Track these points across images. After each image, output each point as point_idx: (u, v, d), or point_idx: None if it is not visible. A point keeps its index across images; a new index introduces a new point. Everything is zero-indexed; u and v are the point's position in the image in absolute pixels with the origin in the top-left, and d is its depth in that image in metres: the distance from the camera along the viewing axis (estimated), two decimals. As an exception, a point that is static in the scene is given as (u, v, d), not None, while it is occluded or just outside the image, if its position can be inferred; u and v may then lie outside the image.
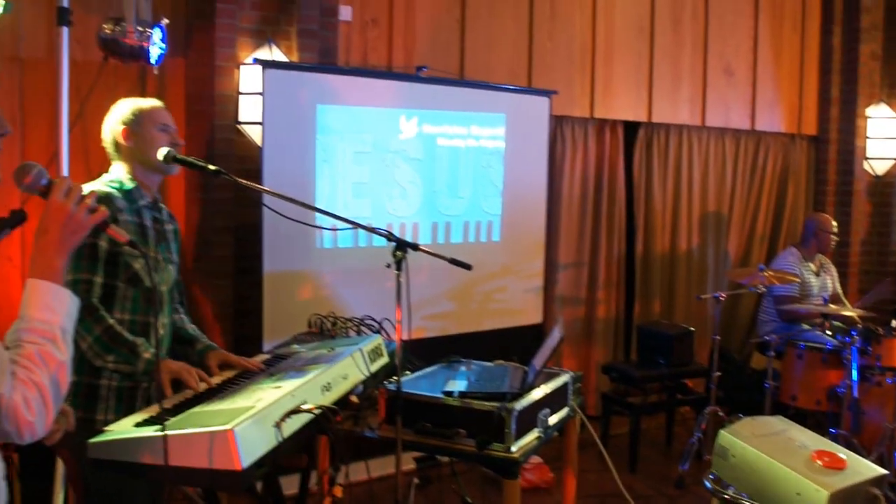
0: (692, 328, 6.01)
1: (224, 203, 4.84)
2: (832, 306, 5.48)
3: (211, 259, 4.84)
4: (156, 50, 4.20)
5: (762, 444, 3.14)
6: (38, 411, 1.52)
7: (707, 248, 7.05)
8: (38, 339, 1.57)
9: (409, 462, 4.81)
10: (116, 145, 2.98)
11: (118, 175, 2.97)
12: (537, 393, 3.27)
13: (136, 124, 2.95)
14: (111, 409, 2.80)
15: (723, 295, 5.35)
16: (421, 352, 3.86)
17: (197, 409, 2.38)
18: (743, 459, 3.17)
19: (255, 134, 4.79)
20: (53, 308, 1.61)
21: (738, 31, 7.03)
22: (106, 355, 2.72)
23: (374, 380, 3.04)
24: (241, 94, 4.79)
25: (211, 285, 4.83)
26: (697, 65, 6.87)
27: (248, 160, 4.80)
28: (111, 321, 2.74)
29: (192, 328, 3.18)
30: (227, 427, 2.04)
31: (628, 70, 6.54)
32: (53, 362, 1.56)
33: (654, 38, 6.63)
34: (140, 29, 4.12)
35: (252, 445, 2.10)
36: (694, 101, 6.87)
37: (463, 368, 3.64)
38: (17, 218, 3.65)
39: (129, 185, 2.94)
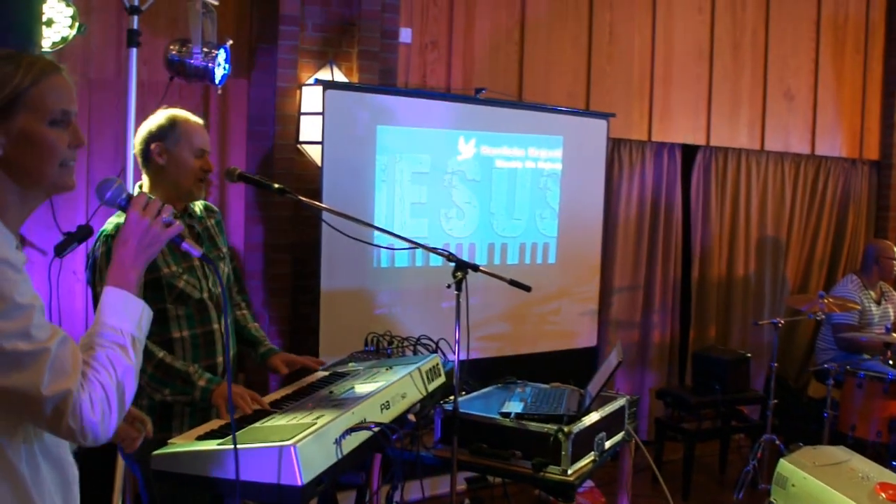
0: (748, 354, 5.93)
1: (283, 221, 4.91)
2: (895, 335, 5.38)
3: (269, 277, 4.91)
4: (220, 71, 4.28)
5: (824, 475, 3.10)
6: (101, 412, 1.55)
7: (764, 274, 6.96)
8: (107, 343, 1.61)
9: (460, 482, 4.81)
10: (146, 158, 2.89)
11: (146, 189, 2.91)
12: (594, 416, 3.25)
13: (173, 142, 2.86)
14: (185, 425, 2.81)
15: (781, 321, 5.28)
16: (476, 372, 3.87)
17: (258, 425, 2.41)
18: (803, 489, 3.13)
19: (315, 154, 4.85)
20: (125, 316, 1.66)
21: (798, 54, 6.97)
22: (163, 389, 2.75)
23: (431, 399, 3.05)
24: (302, 114, 4.86)
25: (269, 302, 4.89)
26: (757, 88, 6.81)
27: (308, 179, 4.87)
28: (161, 354, 2.75)
29: (254, 328, 3.20)
30: (290, 443, 2.07)
31: (687, 93, 6.51)
32: (121, 367, 1.60)
33: (713, 61, 6.60)
34: (205, 50, 4.20)
35: (313, 461, 2.12)
36: (753, 124, 6.81)
37: (519, 390, 3.63)
38: (83, 233, 3.73)
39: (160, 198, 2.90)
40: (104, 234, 2.79)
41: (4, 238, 1.55)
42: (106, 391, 1.56)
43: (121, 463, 3.75)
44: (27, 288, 1.52)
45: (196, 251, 1.87)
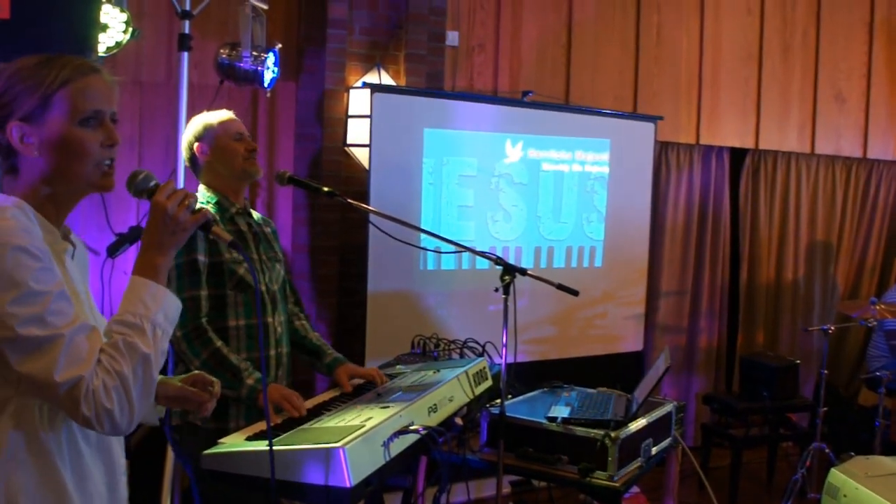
0: (797, 361, 5.85)
1: (330, 224, 4.94)
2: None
3: (316, 278, 4.94)
4: (269, 74, 4.32)
5: (876, 485, 3.04)
6: (117, 400, 1.54)
7: (814, 279, 6.85)
8: (125, 330, 1.59)
9: (504, 486, 4.80)
10: (194, 163, 3.04)
11: (201, 191, 3.02)
12: (641, 422, 3.23)
13: (210, 139, 3.00)
14: (241, 416, 2.85)
15: (832, 328, 5.20)
16: (521, 376, 3.86)
17: (307, 426, 2.43)
18: (855, 500, 3.08)
19: (361, 156, 4.88)
20: (146, 302, 1.63)
21: (850, 56, 6.85)
22: None
23: (478, 403, 3.05)
24: (350, 117, 4.89)
25: (315, 304, 4.93)
26: (807, 91, 6.71)
27: (355, 182, 4.90)
28: (218, 344, 2.79)
29: (315, 337, 3.22)
30: (338, 445, 2.07)
31: (735, 96, 6.44)
32: (137, 354, 1.58)
33: (762, 63, 6.52)
34: (255, 54, 4.24)
35: (361, 463, 2.12)
36: (803, 127, 6.71)
37: (565, 394, 3.62)
38: (135, 234, 3.79)
39: (215, 197, 2.98)
40: None
41: (32, 228, 1.57)
42: (121, 379, 1.55)
43: (170, 461, 3.80)
44: (46, 276, 1.53)
45: (225, 238, 1.85)
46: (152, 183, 1.76)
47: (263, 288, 2.97)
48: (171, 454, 3.72)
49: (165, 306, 1.66)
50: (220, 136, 3.00)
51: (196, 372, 2.03)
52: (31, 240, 1.54)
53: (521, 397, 3.62)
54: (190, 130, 3.05)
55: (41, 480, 1.59)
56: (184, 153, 3.07)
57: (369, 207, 3.18)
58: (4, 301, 1.49)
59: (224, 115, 3.08)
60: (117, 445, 1.79)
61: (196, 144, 3.01)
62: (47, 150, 1.64)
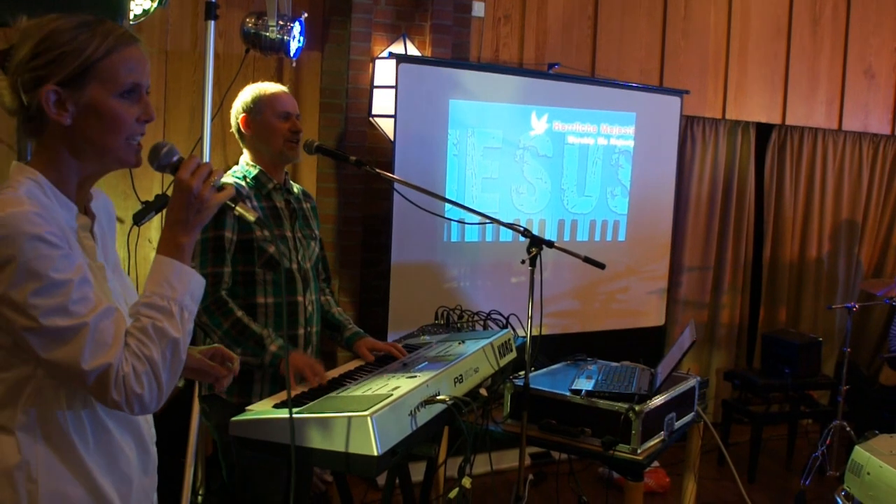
0: (820, 338, 5.83)
1: (354, 194, 4.94)
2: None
3: (340, 249, 4.95)
4: (295, 43, 4.31)
5: (901, 463, 3.03)
6: (147, 384, 1.54)
7: (838, 257, 6.80)
8: (153, 314, 1.57)
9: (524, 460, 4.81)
10: (240, 132, 3.02)
11: (243, 163, 3.01)
12: (665, 396, 3.23)
13: (257, 112, 2.97)
14: (266, 392, 2.86)
15: (856, 306, 5.17)
16: (543, 349, 3.85)
17: (334, 395, 2.44)
18: (878, 477, 3.07)
19: (386, 127, 4.87)
20: (173, 284, 1.60)
21: (881, 31, 6.76)
22: (235, 348, 2.77)
23: (502, 374, 3.06)
24: (375, 87, 4.87)
25: (339, 274, 4.94)
26: (836, 66, 6.63)
27: (379, 152, 4.89)
28: (239, 314, 2.80)
29: (338, 312, 3.24)
30: (366, 413, 2.08)
31: (763, 71, 6.37)
32: (167, 338, 1.56)
33: (791, 38, 6.44)
34: (281, 23, 4.22)
35: (389, 432, 2.13)
36: (831, 103, 6.64)
37: (589, 367, 3.62)
38: (161, 202, 3.79)
39: (254, 171, 2.97)
40: None
41: (49, 207, 1.55)
42: (151, 364, 1.54)
43: (194, 429, 3.82)
44: (65, 263, 1.50)
45: (250, 216, 1.80)
46: (176, 157, 1.71)
47: (295, 266, 2.97)
48: (194, 423, 3.75)
49: (192, 287, 1.64)
50: (266, 112, 2.97)
51: (216, 345, 2.01)
52: (48, 226, 1.50)
53: (544, 370, 3.62)
54: (239, 100, 3.03)
55: (62, 458, 1.59)
56: (231, 120, 3.05)
57: (396, 177, 3.17)
58: (26, 293, 1.46)
59: (275, 89, 3.03)
60: (143, 418, 1.79)
61: (242, 116, 3.00)
62: (82, 119, 1.59)
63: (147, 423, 1.80)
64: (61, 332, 1.48)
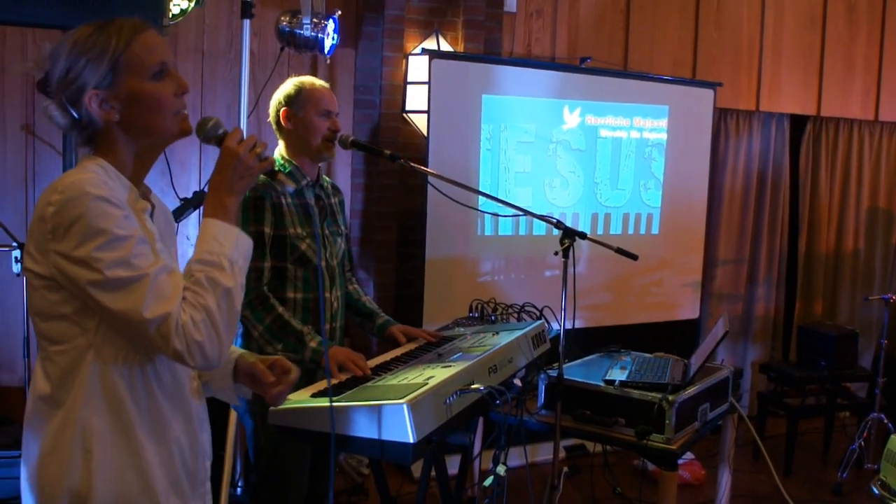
0: (856, 330, 5.79)
1: (388, 189, 4.99)
2: None
3: (374, 243, 5.00)
4: (329, 41, 4.36)
5: (937, 452, 3.02)
6: (206, 333, 1.61)
7: (875, 248, 6.75)
8: (204, 268, 1.66)
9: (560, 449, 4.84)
10: (279, 125, 3.02)
11: (277, 155, 3.02)
12: (699, 386, 3.24)
13: (299, 107, 2.97)
14: (300, 384, 2.90)
15: (893, 297, 5.13)
16: (577, 341, 3.88)
17: (370, 384, 2.48)
18: (915, 466, 3.06)
19: (419, 122, 4.91)
20: (220, 241, 1.70)
21: (918, 21, 6.69)
22: (276, 343, 2.83)
23: (536, 365, 3.08)
24: (408, 83, 4.91)
25: (373, 269, 4.99)
26: (872, 56, 6.57)
27: (413, 148, 4.93)
28: (280, 310, 2.85)
29: (367, 300, 3.28)
30: (402, 401, 2.12)
31: (797, 62, 6.33)
32: (220, 287, 1.65)
33: (825, 28, 6.39)
34: (315, 21, 4.27)
35: (424, 420, 2.16)
36: (867, 94, 6.58)
37: (622, 358, 3.63)
38: (199, 199, 3.84)
39: (288, 167, 2.99)
40: None
41: (112, 183, 1.66)
42: (208, 312, 1.63)
43: (233, 422, 3.88)
44: (126, 223, 1.60)
45: (290, 188, 1.95)
46: (221, 130, 1.82)
47: (323, 263, 3.01)
48: (234, 416, 3.81)
49: (238, 243, 1.73)
50: (308, 108, 2.98)
51: (277, 357, 2.04)
52: (112, 191, 1.62)
53: (577, 361, 3.65)
54: (282, 92, 3.03)
55: (115, 428, 1.67)
56: (270, 112, 3.06)
57: (433, 171, 3.19)
58: (91, 247, 1.56)
59: (319, 85, 3.04)
60: (196, 398, 1.86)
61: (284, 109, 3.00)
62: (128, 109, 1.70)
63: (198, 406, 1.87)
64: (124, 283, 1.58)
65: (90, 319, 1.64)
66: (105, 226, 1.57)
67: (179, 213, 3.98)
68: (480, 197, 3.89)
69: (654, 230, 5.47)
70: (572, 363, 3.57)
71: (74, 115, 1.69)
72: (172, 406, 1.76)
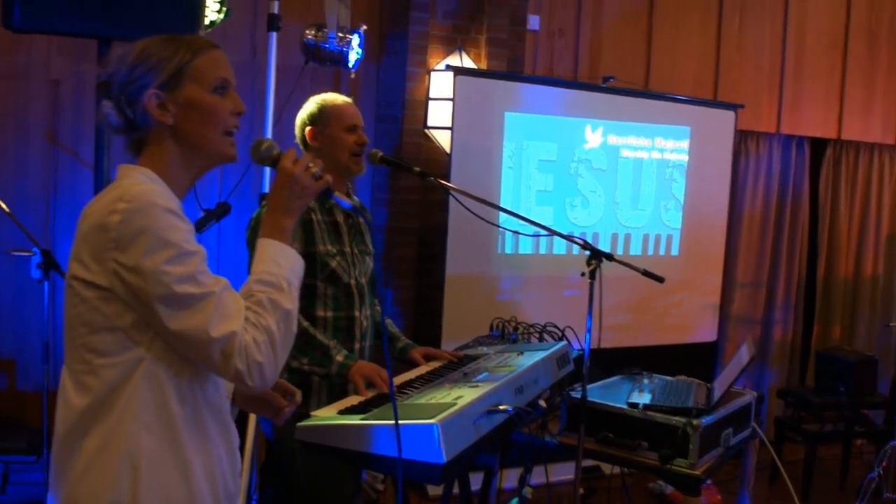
0: (875, 356, 5.74)
1: (409, 205, 4.98)
2: None
3: (394, 259, 4.99)
4: (354, 55, 4.35)
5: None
6: (266, 353, 1.61)
7: (894, 273, 6.71)
8: (265, 288, 1.66)
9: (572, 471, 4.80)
10: (305, 143, 3.00)
11: None
12: (722, 411, 3.21)
13: (324, 124, 2.95)
14: (323, 402, 2.85)
15: (914, 324, 5.10)
16: (596, 362, 3.85)
17: (398, 402, 2.45)
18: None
19: (441, 138, 4.90)
20: (279, 262, 1.71)
21: (940, 46, 6.67)
22: (302, 357, 2.81)
23: (560, 386, 3.06)
24: (431, 99, 4.91)
25: (392, 284, 4.98)
26: (894, 80, 6.55)
27: (434, 164, 4.93)
28: (306, 324, 2.83)
29: (390, 323, 3.26)
30: (433, 421, 2.10)
31: (818, 85, 6.32)
32: (281, 309, 1.66)
33: (847, 51, 6.38)
34: (340, 35, 4.27)
35: (454, 440, 2.14)
36: (888, 118, 6.56)
37: (646, 381, 3.61)
38: (222, 210, 3.83)
39: None
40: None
41: (170, 195, 1.66)
42: (269, 334, 1.62)
43: (250, 436, 3.87)
44: (193, 238, 1.60)
45: (347, 203, 1.96)
46: (275, 150, 1.84)
47: (353, 282, 2.99)
48: (251, 430, 3.78)
49: (294, 265, 1.75)
50: (333, 124, 2.95)
51: (279, 380, 2.00)
52: (175, 203, 1.62)
53: (598, 383, 3.62)
54: (304, 111, 3.01)
55: (164, 444, 1.64)
56: (296, 132, 3.03)
57: (461, 189, 3.16)
58: (160, 260, 1.54)
59: (341, 101, 3.01)
60: (232, 423, 1.84)
61: (309, 128, 2.97)
62: (183, 115, 1.70)
63: (235, 431, 1.84)
64: (192, 300, 1.56)
65: (144, 333, 1.60)
66: (174, 239, 1.56)
67: (202, 225, 3.98)
68: (502, 214, 3.88)
69: (674, 251, 5.44)
70: (594, 385, 3.53)
71: (129, 114, 1.69)
72: (216, 423, 1.75)
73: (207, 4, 3.78)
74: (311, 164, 1.79)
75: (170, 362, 1.64)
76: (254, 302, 1.65)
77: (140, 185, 1.60)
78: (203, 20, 3.18)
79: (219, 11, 3.84)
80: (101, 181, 3.09)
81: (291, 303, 1.69)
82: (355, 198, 3.17)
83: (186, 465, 1.66)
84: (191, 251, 1.57)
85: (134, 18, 2.71)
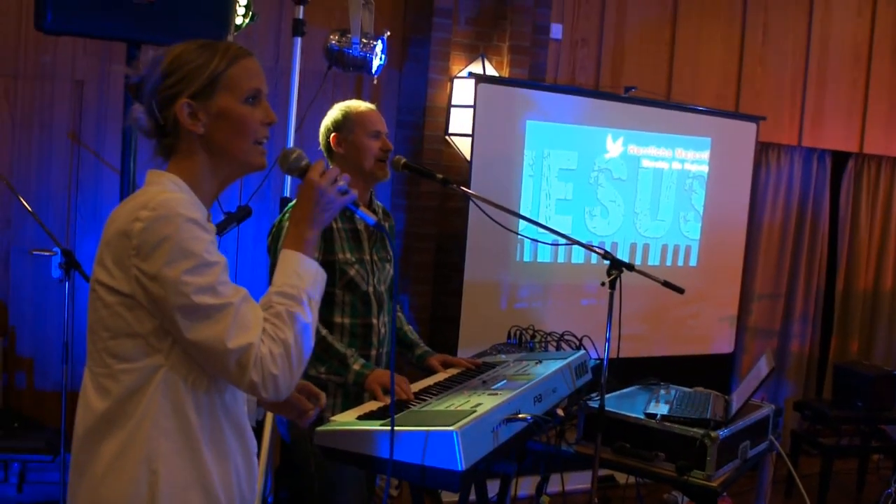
0: (894, 371, 5.71)
1: (428, 211, 4.99)
2: None
3: (412, 265, 5.00)
4: (377, 61, 4.37)
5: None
6: (282, 366, 1.61)
7: (915, 289, 6.68)
8: (285, 301, 1.66)
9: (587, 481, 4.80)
10: (329, 151, 3.01)
11: None
12: (740, 423, 3.20)
13: (348, 131, 2.96)
14: (339, 406, 2.88)
15: (934, 340, 5.07)
16: (612, 371, 3.85)
17: (416, 409, 2.46)
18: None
19: (462, 145, 4.91)
20: (301, 275, 1.71)
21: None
22: (319, 366, 2.82)
23: (577, 395, 3.06)
24: (453, 106, 4.92)
25: (410, 290, 4.99)
26: (917, 95, 6.53)
27: (454, 171, 4.94)
28: (324, 332, 2.84)
29: (409, 330, 3.26)
30: (452, 428, 2.10)
31: (841, 98, 6.29)
32: (299, 323, 1.65)
33: (870, 65, 6.36)
34: (364, 41, 4.29)
35: (472, 448, 2.14)
36: (910, 133, 6.53)
37: (663, 392, 3.61)
38: (243, 213, 3.85)
39: None
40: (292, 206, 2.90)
41: (195, 205, 1.66)
42: (286, 347, 1.62)
43: (266, 439, 3.88)
44: (214, 248, 1.61)
45: (371, 219, 1.91)
46: (304, 162, 1.84)
47: (371, 289, 3.00)
48: (267, 433, 3.80)
49: (316, 278, 1.75)
50: (357, 131, 2.96)
51: (303, 381, 2.03)
52: (200, 214, 1.62)
53: (616, 393, 3.62)
54: (329, 118, 3.02)
55: (181, 450, 1.65)
56: (320, 139, 3.05)
57: (484, 197, 3.16)
58: (180, 270, 1.55)
59: (365, 107, 3.02)
60: (249, 429, 1.84)
61: (333, 135, 2.98)
62: (214, 125, 1.70)
63: (252, 437, 1.85)
64: (210, 311, 1.57)
65: (164, 340, 1.62)
66: (195, 249, 1.56)
67: (223, 228, 4.00)
68: (521, 222, 3.89)
69: (693, 262, 5.43)
70: (611, 395, 3.53)
71: (160, 120, 1.70)
72: (233, 430, 1.75)
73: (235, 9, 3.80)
74: (338, 178, 1.78)
75: (188, 370, 1.65)
76: (272, 314, 1.65)
77: (165, 193, 1.60)
78: (233, 24, 3.20)
79: (245, 16, 3.87)
80: (126, 184, 3.12)
81: (309, 317, 1.69)
82: (377, 202, 3.18)
83: (205, 470, 1.68)
84: (212, 262, 1.58)
85: (164, 22, 2.74)
